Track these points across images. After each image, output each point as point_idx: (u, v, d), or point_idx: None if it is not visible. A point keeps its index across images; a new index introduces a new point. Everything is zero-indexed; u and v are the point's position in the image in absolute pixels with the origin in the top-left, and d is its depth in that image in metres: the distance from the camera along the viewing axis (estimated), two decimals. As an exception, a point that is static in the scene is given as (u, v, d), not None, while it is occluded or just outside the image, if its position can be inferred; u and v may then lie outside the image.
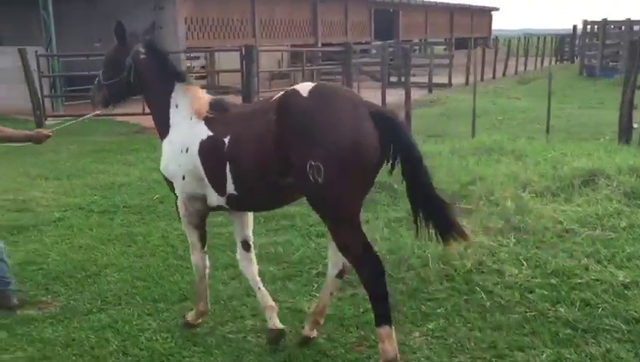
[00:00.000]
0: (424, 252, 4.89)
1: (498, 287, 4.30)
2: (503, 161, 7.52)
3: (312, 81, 15.72)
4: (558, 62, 37.09)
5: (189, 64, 20.46)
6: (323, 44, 26.68)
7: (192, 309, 4.22)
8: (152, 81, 3.97)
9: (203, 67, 21.12)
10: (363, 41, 29.38)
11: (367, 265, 3.21)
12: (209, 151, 3.57)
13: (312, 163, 3.07)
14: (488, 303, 4.09)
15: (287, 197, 3.58)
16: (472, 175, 6.80)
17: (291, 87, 3.36)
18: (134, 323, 4.24)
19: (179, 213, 3.94)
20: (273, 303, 3.90)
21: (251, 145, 3.36)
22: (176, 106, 3.84)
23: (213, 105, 3.72)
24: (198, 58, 20.96)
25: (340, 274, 3.67)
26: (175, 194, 3.89)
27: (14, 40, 20.95)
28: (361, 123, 3.09)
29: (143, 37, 4.08)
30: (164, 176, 3.95)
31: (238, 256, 4.02)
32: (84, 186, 8.31)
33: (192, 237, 3.97)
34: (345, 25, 29.15)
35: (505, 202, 5.83)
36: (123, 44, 4.06)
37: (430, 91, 21.67)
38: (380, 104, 17.41)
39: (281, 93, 3.39)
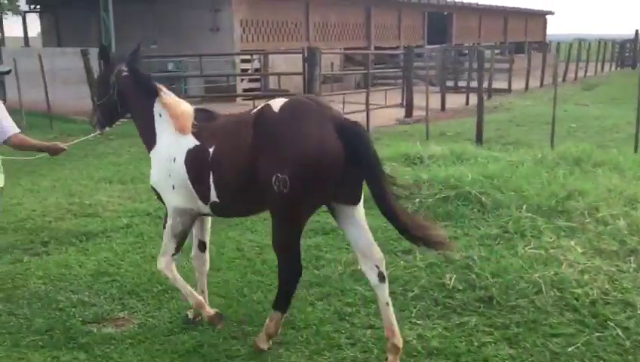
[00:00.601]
0: (533, 275, 4.39)
1: (632, 322, 3.76)
2: (599, 173, 6.90)
3: (367, 85, 15.37)
4: (618, 68, 35.66)
5: (243, 66, 20.31)
6: (375, 48, 26.20)
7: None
8: (134, 97, 4.08)
9: (257, 70, 20.91)
10: (414, 45, 28.78)
11: (291, 266, 3.54)
12: (195, 160, 3.68)
13: (279, 175, 3.25)
14: (628, 342, 3.56)
15: (263, 205, 3.63)
16: (568, 188, 6.22)
17: (267, 102, 3.52)
18: (221, 348, 3.87)
19: (164, 222, 4.03)
20: (208, 309, 4.03)
21: (232, 155, 3.50)
22: (160, 115, 3.94)
23: (199, 115, 3.85)
24: (252, 60, 20.75)
25: (382, 278, 3.52)
26: (164, 204, 4.00)
27: (73, 42, 21.26)
28: (327, 138, 3.23)
29: (127, 57, 4.21)
30: (153, 187, 4.07)
31: (193, 255, 4.26)
32: (149, 191, 8.06)
33: (169, 244, 4.00)
34: (398, 28, 28.60)
35: (616, 221, 5.26)
36: (108, 65, 4.26)
37: (490, 97, 20.92)
38: (440, 109, 16.94)
39: (259, 106, 3.55)
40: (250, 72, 20.46)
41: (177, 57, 18.29)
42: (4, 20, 18.97)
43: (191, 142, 3.72)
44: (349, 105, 14.37)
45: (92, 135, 4.81)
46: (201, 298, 4.09)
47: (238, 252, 5.60)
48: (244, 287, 4.79)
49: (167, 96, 3.99)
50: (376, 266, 3.49)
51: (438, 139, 10.99)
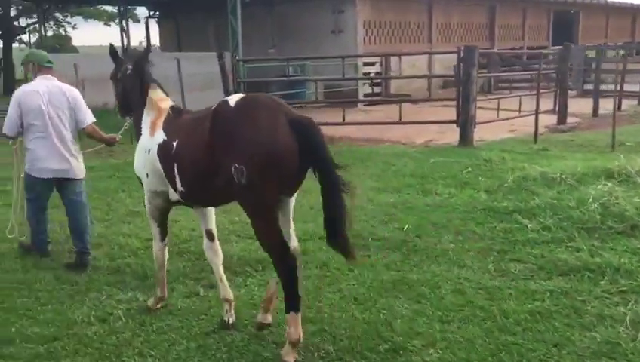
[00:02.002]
0: None
1: None
2: None
3: (490, 88, 13.98)
4: None
5: (365, 70, 19.33)
6: (498, 49, 24.45)
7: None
8: (132, 93, 4.46)
9: (378, 73, 19.87)
10: (536, 46, 26.73)
11: (279, 253, 3.58)
12: (164, 153, 3.97)
13: (237, 166, 3.41)
14: None
15: (228, 196, 3.74)
16: None
17: (223, 99, 3.70)
18: None
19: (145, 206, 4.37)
20: (232, 297, 4.26)
21: (191, 149, 3.73)
22: (147, 113, 4.30)
23: (172, 111, 4.19)
24: (373, 64, 19.73)
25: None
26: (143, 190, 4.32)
27: (192, 46, 21.16)
28: (279, 130, 3.39)
29: (135, 58, 4.54)
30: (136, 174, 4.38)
31: (204, 246, 4.38)
32: (309, 208, 7.12)
33: (154, 230, 4.42)
34: (522, 28, 26.69)
35: None
36: (117, 63, 4.64)
37: None
38: (593, 114, 15.06)
39: (216, 103, 3.70)
40: (371, 75, 19.44)
41: (297, 60, 17.56)
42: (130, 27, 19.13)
43: (161, 136, 4.05)
44: (486, 111, 12.95)
45: (126, 125, 5.19)
46: (164, 294, 4.51)
47: (462, 296, 4.47)
48: (504, 354, 3.65)
49: (154, 94, 4.34)
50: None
51: (618, 150, 9.44)
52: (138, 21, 24.75)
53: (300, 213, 6.85)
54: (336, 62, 18.48)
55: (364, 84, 19.25)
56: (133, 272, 5.26)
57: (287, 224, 3.81)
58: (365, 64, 19.24)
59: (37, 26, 28.53)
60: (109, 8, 28.63)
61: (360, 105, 18.34)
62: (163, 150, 3.98)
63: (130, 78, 4.47)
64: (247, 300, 4.64)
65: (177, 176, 3.88)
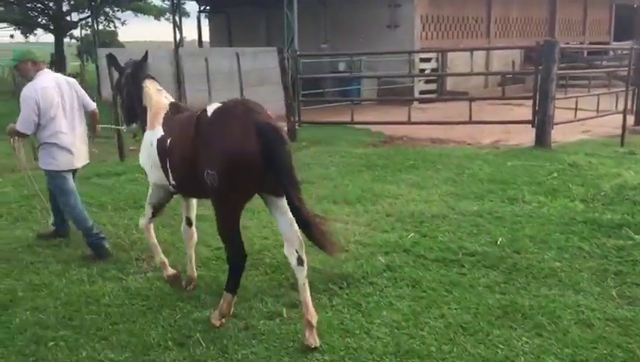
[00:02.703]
0: None
1: None
2: None
3: (546, 86, 13.02)
4: None
5: (421, 66, 18.62)
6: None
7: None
8: (134, 94, 4.71)
9: (434, 69, 19.13)
10: (597, 41, 25.52)
11: (234, 247, 4.00)
12: (160, 147, 4.33)
13: (209, 171, 3.77)
14: None
15: (206, 191, 3.96)
16: None
17: (203, 108, 4.00)
18: None
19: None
20: (195, 274, 4.86)
21: (180, 147, 4.10)
22: (148, 108, 4.60)
23: (171, 107, 4.53)
24: (429, 60, 18.99)
25: (300, 261, 3.93)
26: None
27: (243, 41, 20.82)
28: (246, 139, 3.68)
29: (134, 63, 4.82)
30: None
31: (182, 229, 4.91)
32: (386, 215, 6.59)
33: (148, 210, 4.74)
34: (583, 23, 25.51)
35: None
36: (119, 70, 4.93)
37: None
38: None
39: (200, 110, 4.02)
40: (427, 72, 18.71)
41: (350, 56, 16.97)
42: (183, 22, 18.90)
43: (160, 132, 4.39)
44: (564, 112, 12.10)
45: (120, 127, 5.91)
46: (165, 260, 4.84)
47: (590, 331, 3.85)
48: None
49: (148, 90, 4.66)
50: (296, 251, 3.93)
51: None
52: (188, 15, 24.58)
53: (379, 222, 6.34)
54: (391, 58, 17.97)
55: (420, 80, 18.54)
56: (207, 286, 4.82)
57: (291, 228, 3.94)
58: (421, 60, 18.54)
59: (88, 20, 28.74)
60: (158, 3, 28.66)
61: (415, 102, 17.66)
62: (160, 144, 4.36)
63: (133, 79, 4.76)
64: (338, 325, 4.13)
65: (169, 170, 4.30)
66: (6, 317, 4.25)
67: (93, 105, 5.87)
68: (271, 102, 14.65)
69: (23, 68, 5.50)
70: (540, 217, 6.22)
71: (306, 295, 3.91)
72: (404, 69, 18.01)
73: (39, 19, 27.32)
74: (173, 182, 4.31)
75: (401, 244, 5.64)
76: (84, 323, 4.19)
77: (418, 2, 17.97)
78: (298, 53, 12.95)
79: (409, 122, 11.59)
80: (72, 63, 31.69)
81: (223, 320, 4.14)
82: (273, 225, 6.31)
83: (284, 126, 12.94)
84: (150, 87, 4.66)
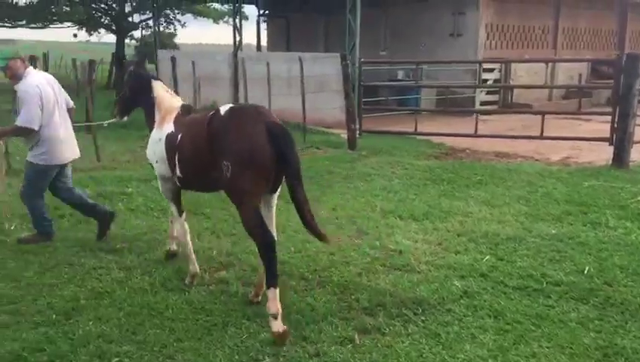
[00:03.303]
0: None
1: None
2: None
3: (626, 102, 12.32)
4: None
5: (484, 77, 18.05)
6: (628, 57, 22.33)
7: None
8: (139, 92, 5.27)
9: (496, 80, 18.53)
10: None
11: (261, 237, 4.10)
12: (169, 142, 4.74)
13: (225, 163, 4.12)
14: None
15: (217, 185, 4.36)
16: None
17: (216, 109, 4.39)
18: None
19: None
20: (195, 269, 5.02)
21: (190, 144, 4.50)
22: (157, 108, 5.10)
23: (183, 108, 4.96)
24: (492, 70, 18.39)
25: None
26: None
27: (301, 46, 20.68)
28: (258, 135, 4.06)
29: (135, 62, 5.67)
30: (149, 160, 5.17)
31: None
32: (456, 235, 6.22)
33: (172, 208, 5.17)
34: (655, 36, 24.35)
35: None
36: (121, 68, 5.61)
37: None
38: None
39: (212, 111, 4.42)
40: (489, 82, 18.12)
41: (415, 64, 16.54)
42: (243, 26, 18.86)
43: (170, 128, 4.77)
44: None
45: (107, 122, 6.12)
46: (196, 269, 5.00)
47: None
48: None
49: (160, 92, 5.13)
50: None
51: None
52: (246, 19, 24.66)
53: (450, 242, 5.97)
54: (452, 68, 17.49)
55: (481, 91, 17.98)
56: (273, 304, 4.55)
57: (270, 221, 4.42)
58: (484, 70, 17.97)
59: (149, 22, 29.23)
60: (217, 6, 28.88)
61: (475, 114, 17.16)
62: (169, 140, 4.73)
63: (138, 78, 5.28)
64: (417, 358, 3.80)
65: (177, 163, 4.64)
66: (69, 327, 4.10)
67: (71, 103, 6.10)
68: (329, 109, 14.51)
69: (15, 66, 5.59)
70: (629, 245, 5.74)
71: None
72: (465, 78, 17.54)
73: (102, 20, 27.94)
74: (179, 175, 4.68)
75: (477, 268, 5.26)
76: (147, 338, 3.99)
77: (484, 11, 17.44)
78: (362, 60, 12.64)
79: (475, 135, 11.13)
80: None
81: (281, 321, 4.06)
82: (338, 239, 6.06)
83: (345, 133, 12.74)
84: (160, 90, 5.14)
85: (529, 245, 5.86)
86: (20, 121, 5.53)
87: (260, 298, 4.58)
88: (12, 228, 6.30)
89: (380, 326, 4.21)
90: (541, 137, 10.47)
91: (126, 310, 4.39)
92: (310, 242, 5.94)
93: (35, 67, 6.41)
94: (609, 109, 10.63)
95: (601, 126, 11.53)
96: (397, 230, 6.38)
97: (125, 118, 5.65)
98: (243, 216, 4.18)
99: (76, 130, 6.21)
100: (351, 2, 14.65)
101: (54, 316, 4.27)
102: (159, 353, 3.82)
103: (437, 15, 17.96)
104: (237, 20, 18.60)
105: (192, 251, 5.03)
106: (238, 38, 18.31)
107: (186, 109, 4.95)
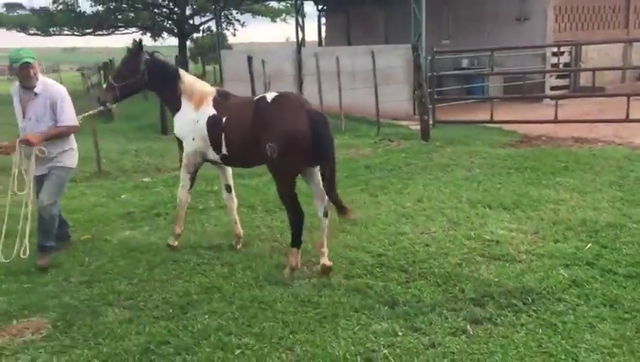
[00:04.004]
0: None
1: None
2: None
3: None
4: None
5: (554, 61, 17.53)
6: None
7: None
8: (166, 77, 5.54)
9: (567, 64, 17.95)
10: None
11: (293, 207, 5.01)
12: (213, 125, 5.31)
13: (270, 144, 4.79)
14: None
15: (259, 160, 5.14)
16: None
17: (262, 95, 5.21)
18: None
19: (181, 161, 5.75)
20: (241, 232, 5.83)
21: (237, 125, 5.13)
22: (185, 92, 5.48)
23: (220, 94, 5.48)
24: (562, 54, 17.83)
25: (325, 213, 5.17)
26: (182, 149, 5.60)
27: (361, 40, 20.59)
28: (299, 120, 4.79)
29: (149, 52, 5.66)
30: (176, 135, 5.65)
31: (224, 197, 5.97)
32: (552, 223, 6.07)
33: (185, 180, 5.63)
34: None
35: None
36: (135, 56, 5.54)
37: None
38: None
39: (258, 97, 5.20)
40: (561, 66, 17.57)
41: (485, 51, 16.23)
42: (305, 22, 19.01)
43: (211, 111, 5.35)
44: None
45: (96, 110, 5.94)
46: (181, 230, 5.76)
47: None
48: None
49: (188, 78, 5.59)
50: (324, 206, 5.16)
51: None
52: (304, 16, 24.68)
53: (546, 231, 5.84)
54: (520, 53, 17.04)
55: (551, 76, 17.47)
56: (378, 296, 4.58)
57: (318, 186, 5.15)
58: (553, 54, 17.45)
59: (209, 24, 29.79)
60: (275, 4, 29.15)
61: (546, 99, 16.73)
62: (213, 122, 5.26)
63: (161, 65, 5.58)
64: (537, 348, 3.74)
65: (224, 143, 5.22)
66: (187, 321, 4.24)
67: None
68: (396, 101, 14.42)
69: (36, 67, 5.34)
70: None
71: (324, 237, 5.10)
72: (534, 63, 17.07)
73: (165, 23, 28.66)
74: (224, 153, 5.26)
75: (581, 256, 5.14)
76: (263, 330, 4.08)
77: (552, -8, 16.93)
78: (434, 49, 12.49)
79: (556, 120, 10.82)
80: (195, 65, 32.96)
81: (294, 272, 5.03)
82: (430, 230, 6.03)
83: (413, 125, 12.65)
84: (188, 77, 5.58)
85: (632, 231, 5.67)
86: (68, 120, 5.37)
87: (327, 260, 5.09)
88: (108, 227, 6.56)
89: (490, 317, 4.17)
90: (627, 120, 10.06)
91: (237, 304, 4.50)
92: (403, 234, 5.95)
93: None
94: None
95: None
96: (489, 220, 6.29)
97: (114, 105, 5.75)
98: (281, 190, 5.01)
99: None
100: (416, -7, 14.49)
101: (171, 310, 4.43)
102: (277, 344, 3.90)
103: (502, 0, 17.53)
104: (299, 17, 18.68)
105: (182, 217, 5.74)
106: (300, 35, 18.39)
107: (224, 94, 5.47)
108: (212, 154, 5.41)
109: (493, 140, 11.43)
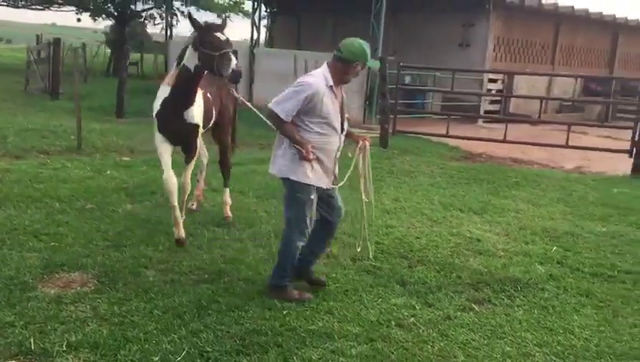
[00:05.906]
0: None
1: None
2: None
3: (608, 117, 13.14)
4: None
5: (490, 87, 18.92)
6: (616, 78, 23.53)
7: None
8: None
9: (499, 91, 19.42)
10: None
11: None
12: None
13: None
14: None
15: None
16: None
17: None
18: None
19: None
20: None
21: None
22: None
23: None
24: (496, 81, 19.29)
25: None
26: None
27: (309, 45, 21.15)
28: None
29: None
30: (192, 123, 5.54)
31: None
32: (518, 228, 6.87)
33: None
34: (641, 58, 25.66)
35: None
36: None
37: None
38: None
39: None
40: (494, 92, 19.00)
41: (435, 71, 17.38)
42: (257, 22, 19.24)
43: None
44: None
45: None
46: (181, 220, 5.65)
47: None
48: None
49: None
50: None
51: None
52: (249, 16, 24.89)
53: (516, 234, 6.63)
54: (460, 76, 18.25)
55: (485, 100, 18.86)
56: (388, 276, 5.13)
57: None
58: (489, 80, 18.84)
59: (150, 12, 29.33)
60: (221, 0, 29.17)
61: (480, 121, 18.15)
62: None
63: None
64: (538, 324, 4.42)
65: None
66: (226, 286, 4.61)
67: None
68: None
69: None
70: (678, 243, 6.49)
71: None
72: (472, 87, 18.35)
73: (106, 6, 27.94)
74: None
75: (551, 256, 5.94)
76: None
77: (494, 23, 18.28)
78: (401, 64, 13.26)
79: (505, 140, 11.91)
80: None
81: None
82: (415, 226, 6.66)
83: (368, 133, 13.34)
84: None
85: (586, 240, 6.56)
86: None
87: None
88: (108, 199, 6.72)
89: (489, 299, 4.83)
90: (566, 146, 11.28)
91: (264, 274, 4.89)
92: (392, 227, 6.54)
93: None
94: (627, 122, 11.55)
95: (599, 140, 12.52)
96: (463, 221, 7.02)
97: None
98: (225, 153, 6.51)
99: None
100: (377, 8, 15.24)
101: (206, 276, 4.76)
102: (315, 310, 4.36)
103: (447, 25, 18.69)
104: (256, 16, 19.01)
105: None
106: (255, 35, 18.72)
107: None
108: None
109: (441, 153, 12.33)
